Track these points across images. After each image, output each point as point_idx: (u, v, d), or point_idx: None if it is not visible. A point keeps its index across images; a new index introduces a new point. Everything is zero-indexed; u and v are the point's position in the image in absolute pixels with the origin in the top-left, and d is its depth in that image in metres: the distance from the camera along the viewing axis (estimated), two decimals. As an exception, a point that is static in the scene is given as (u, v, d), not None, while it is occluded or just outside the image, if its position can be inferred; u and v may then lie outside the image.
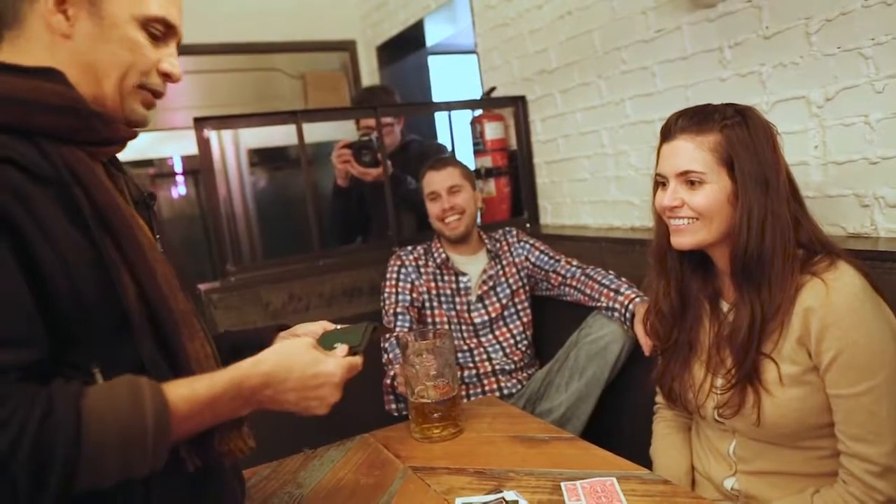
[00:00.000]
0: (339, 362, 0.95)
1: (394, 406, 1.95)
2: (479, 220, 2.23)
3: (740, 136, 1.14)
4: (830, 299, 1.07)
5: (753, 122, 1.16)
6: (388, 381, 1.90)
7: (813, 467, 1.15)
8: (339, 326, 1.15)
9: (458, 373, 2.00)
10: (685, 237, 1.20)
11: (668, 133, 1.21)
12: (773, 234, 1.11)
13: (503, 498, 1.12)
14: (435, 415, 1.39)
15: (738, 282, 1.17)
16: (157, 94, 0.95)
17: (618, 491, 1.09)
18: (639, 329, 1.64)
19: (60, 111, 0.82)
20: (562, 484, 1.14)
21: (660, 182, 1.23)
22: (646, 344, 1.58)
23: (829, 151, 1.52)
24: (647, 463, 1.40)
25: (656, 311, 1.32)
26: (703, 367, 1.25)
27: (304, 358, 0.91)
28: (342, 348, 1.00)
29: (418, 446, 1.37)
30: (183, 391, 0.80)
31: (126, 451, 0.73)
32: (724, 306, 1.24)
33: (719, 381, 1.21)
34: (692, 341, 1.28)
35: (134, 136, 0.95)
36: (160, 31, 0.92)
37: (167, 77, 0.94)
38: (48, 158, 0.79)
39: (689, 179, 1.17)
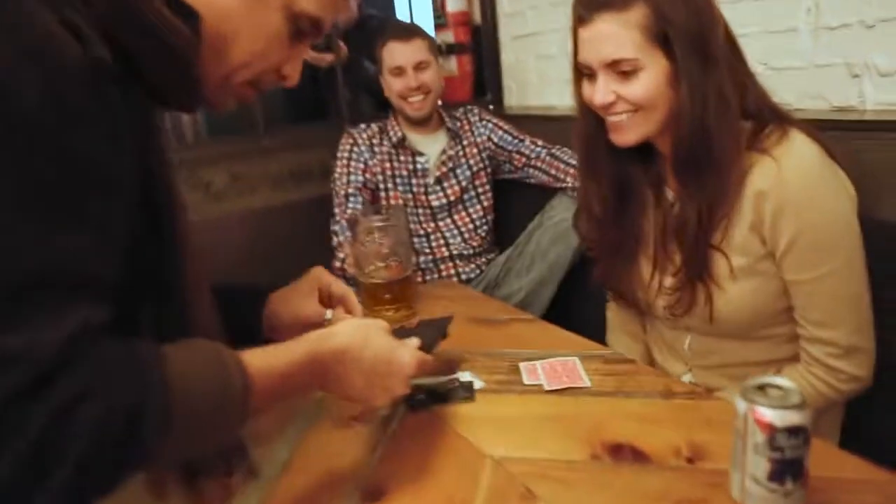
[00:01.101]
0: (414, 353, 0.83)
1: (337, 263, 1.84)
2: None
3: (670, 1, 0.96)
4: (783, 178, 0.96)
5: None
6: (339, 265, 1.79)
7: (771, 354, 1.09)
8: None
9: (414, 256, 1.90)
10: (627, 134, 1.05)
11: (583, 13, 1.02)
12: (717, 113, 0.97)
13: (457, 378, 1.04)
14: (387, 296, 1.29)
15: (681, 170, 1.04)
16: (260, 92, 0.78)
17: (579, 369, 1.02)
18: None
19: (174, 61, 0.64)
20: (520, 364, 1.06)
21: (584, 73, 1.07)
22: None
23: (823, 15, 1.39)
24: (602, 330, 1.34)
25: (588, 213, 1.19)
26: (649, 262, 1.15)
27: (379, 340, 0.81)
28: (414, 341, 0.88)
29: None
30: (259, 363, 0.68)
31: (213, 421, 0.63)
32: (670, 195, 1.11)
33: (668, 281, 1.11)
34: (637, 235, 1.16)
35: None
36: (307, 29, 0.74)
37: (282, 79, 0.78)
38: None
39: (621, 70, 1.00)
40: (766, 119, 1.01)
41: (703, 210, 1.01)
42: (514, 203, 2.03)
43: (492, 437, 0.88)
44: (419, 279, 1.91)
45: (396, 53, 1.85)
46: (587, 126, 1.11)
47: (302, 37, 0.75)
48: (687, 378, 1.17)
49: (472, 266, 1.93)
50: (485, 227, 1.98)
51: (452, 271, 1.91)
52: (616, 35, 0.98)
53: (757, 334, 1.08)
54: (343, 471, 0.84)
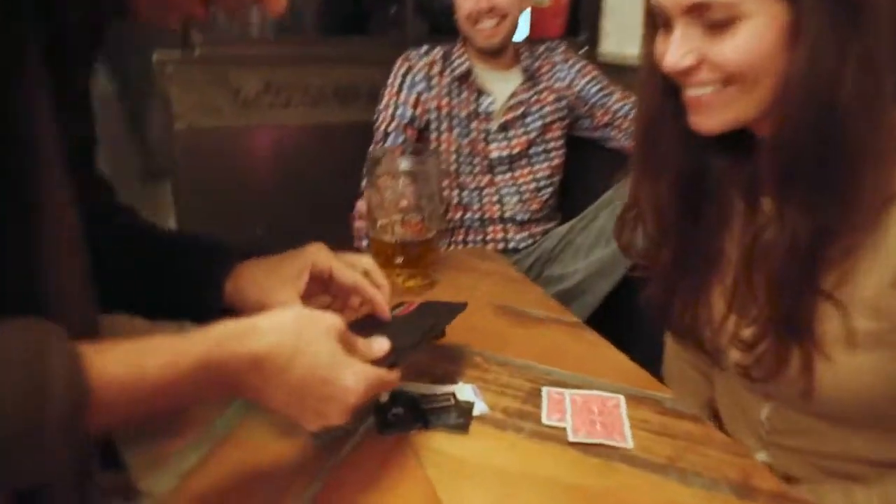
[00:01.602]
0: (364, 375, 0.57)
1: (364, 244, 1.57)
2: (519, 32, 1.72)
3: None
4: None
5: None
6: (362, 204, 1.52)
7: (881, 452, 0.75)
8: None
9: (447, 211, 1.61)
10: (712, 116, 0.70)
11: None
12: (858, 95, 0.63)
13: (453, 395, 0.76)
14: (398, 259, 1.02)
15: (787, 175, 0.69)
16: (230, 9, 0.61)
17: (622, 418, 0.73)
18: None
19: None
20: (544, 389, 0.78)
21: (657, 22, 0.72)
22: None
23: None
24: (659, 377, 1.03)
25: (641, 220, 0.84)
26: (725, 296, 0.80)
27: (318, 348, 0.56)
28: (377, 347, 0.62)
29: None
30: (116, 369, 0.46)
31: (16, 449, 0.42)
32: (768, 205, 0.74)
33: (747, 331, 0.76)
34: (711, 256, 0.81)
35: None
36: None
37: (262, 3, 0.58)
38: None
39: (710, 18, 0.65)
40: None
41: (815, 236, 0.67)
42: (588, 167, 1.71)
43: (475, 500, 0.61)
44: (460, 237, 1.63)
45: (471, -36, 1.52)
46: (654, 98, 0.77)
47: None
48: (761, 457, 0.83)
49: (525, 234, 1.63)
50: (548, 190, 1.66)
51: (500, 236, 1.62)
52: None
53: (873, 423, 0.74)
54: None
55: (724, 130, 0.72)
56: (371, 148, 1.59)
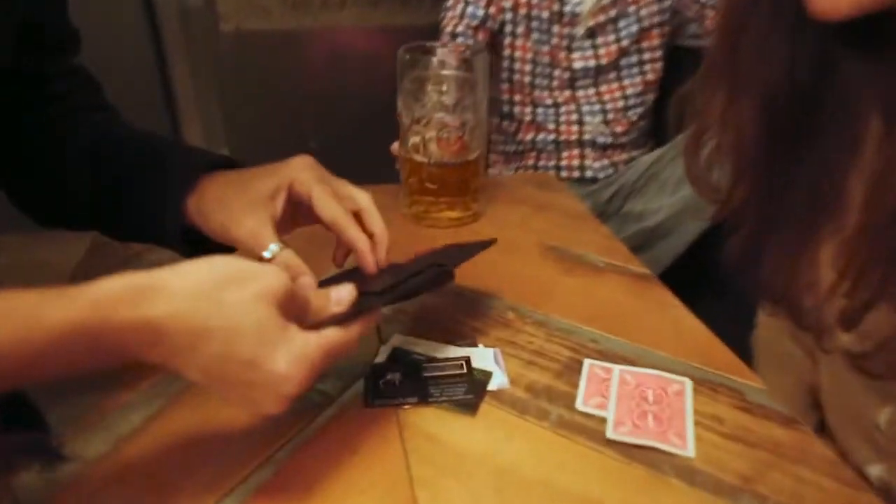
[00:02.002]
0: (304, 355, 0.42)
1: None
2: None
3: None
4: None
5: None
6: None
7: None
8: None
9: (518, 136, 1.40)
10: None
11: None
12: None
13: (467, 360, 0.60)
14: (431, 184, 0.85)
15: None
16: None
17: (686, 409, 0.55)
18: None
19: None
20: (586, 362, 0.60)
21: None
22: None
23: None
24: (747, 357, 0.81)
25: (728, 146, 0.62)
26: (843, 252, 0.56)
27: (241, 324, 0.40)
28: (340, 292, 0.47)
29: (403, 227, 0.86)
30: None
31: None
32: None
33: (861, 295, 0.53)
34: (823, 194, 0.58)
35: None
36: None
37: None
38: None
39: None
40: None
41: None
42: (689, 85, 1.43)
43: (458, 521, 0.45)
44: (531, 161, 1.43)
45: None
46: None
47: None
48: (875, 471, 0.62)
49: (606, 162, 1.40)
50: (639, 109, 1.41)
51: (576, 163, 1.40)
52: None
53: None
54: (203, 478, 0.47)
55: (857, 14, 0.48)
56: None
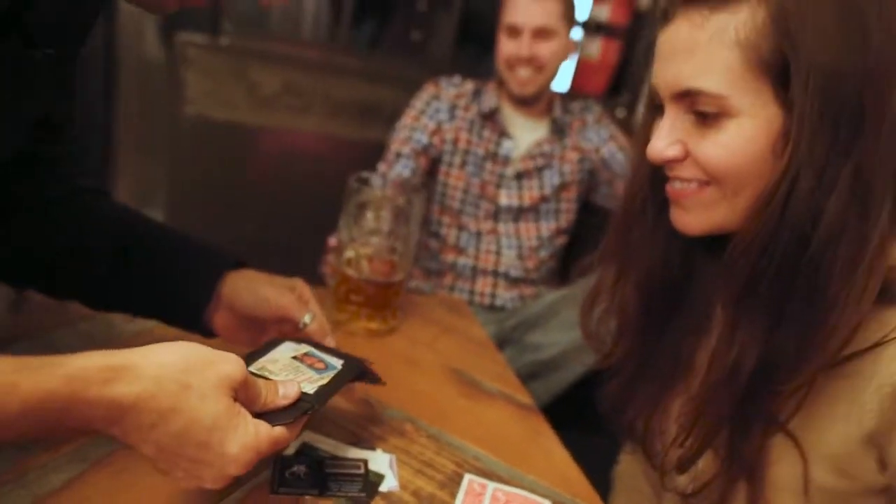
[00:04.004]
0: (253, 443, 0.50)
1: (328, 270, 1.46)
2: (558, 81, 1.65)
3: (812, 6, 0.54)
4: None
5: None
6: (334, 242, 1.43)
7: None
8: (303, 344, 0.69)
9: (412, 259, 1.54)
10: (692, 216, 0.64)
11: (666, 5, 0.61)
12: (841, 232, 0.56)
13: (365, 462, 0.69)
14: (355, 297, 0.96)
15: (745, 294, 0.61)
16: None
17: (540, 531, 0.65)
18: None
19: None
20: (466, 476, 0.70)
21: (656, 103, 0.66)
22: None
23: None
24: (607, 488, 0.94)
25: (612, 308, 0.77)
26: (684, 410, 0.71)
27: (201, 409, 0.48)
28: (287, 388, 0.56)
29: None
30: None
31: None
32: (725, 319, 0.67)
33: (688, 452, 0.68)
34: (680, 360, 0.73)
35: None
36: None
37: None
38: None
39: (699, 109, 0.59)
40: None
41: (761, 368, 0.60)
42: (595, 237, 1.62)
43: None
44: (448, 282, 1.56)
45: (518, 8, 1.46)
46: (641, 184, 0.70)
47: None
48: None
49: (516, 293, 1.55)
50: (550, 250, 1.59)
51: (488, 290, 1.54)
52: (701, 49, 0.58)
53: None
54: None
55: (706, 233, 0.65)
56: (378, 166, 1.54)
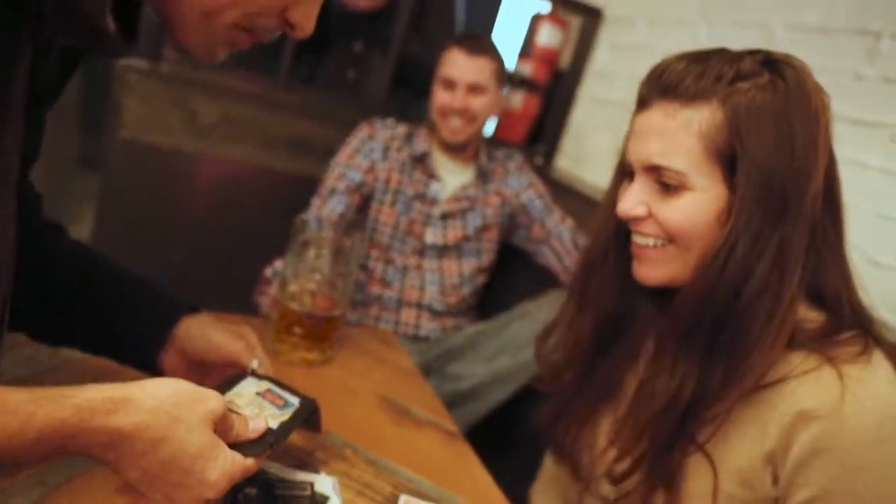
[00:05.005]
0: (229, 470, 0.58)
1: (263, 300, 1.52)
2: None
3: (760, 110, 0.70)
4: (844, 411, 0.67)
5: (790, 89, 0.70)
6: (270, 273, 1.50)
7: None
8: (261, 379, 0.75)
9: (367, 289, 1.63)
10: (654, 269, 0.78)
11: (645, 93, 0.77)
12: (763, 292, 0.70)
13: (311, 484, 0.76)
14: (299, 330, 1.02)
15: (687, 335, 0.75)
16: (260, 39, 0.62)
17: (467, 546, 0.74)
18: None
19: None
20: (402, 497, 0.78)
21: (625, 171, 0.81)
22: None
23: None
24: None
25: (562, 339, 0.91)
26: (614, 427, 0.85)
27: (188, 439, 0.55)
28: (256, 423, 0.64)
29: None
30: None
31: None
32: (669, 354, 0.81)
33: (622, 465, 0.81)
34: (612, 384, 0.88)
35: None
36: None
37: (289, 27, 0.60)
38: None
39: (663, 181, 0.74)
40: (846, 320, 0.73)
41: (697, 394, 0.73)
42: (515, 275, 1.76)
43: None
44: (374, 314, 1.64)
45: (455, 64, 1.59)
46: (605, 237, 0.84)
47: None
48: None
49: (437, 325, 1.65)
50: (470, 287, 1.70)
51: (412, 321, 1.63)
52: (670, 134, 0.73)
53: None
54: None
55: (662, 285, 0.79)
56: (313, 201, 1.60)
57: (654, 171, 0.75)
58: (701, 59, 0.73)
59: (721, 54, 0.74)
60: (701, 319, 0.73)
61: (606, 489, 0.84)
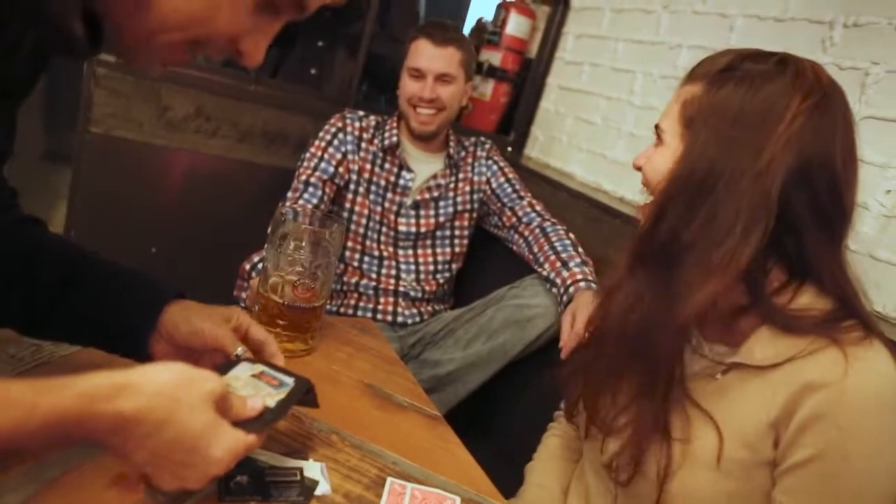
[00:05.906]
0: (233, 447, 0.60)
1: (244, 294, 1.54)
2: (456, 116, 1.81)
3: (721, 108, 0.80)
4: (848, 382, 0.73)
5: (827, 101, 0.78)
6: (249, 267, 1.51)
7: None
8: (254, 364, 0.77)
9: (344, 278, 1.65)
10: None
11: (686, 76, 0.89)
12: (698, 234, 0.78)
13: (301, 470, 0.79)
14: (281, 321, 1.04)
15: (636, 262, 0.86)
16: (209, 56, 0.63)
17: (453, 522, 0.78)
18: (566, 321, 1.31)
19: None
20: (389, 479, 0.81)
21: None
22: (566, 342, 1.26)
23: (901, 202, 1.16)
24: (519, 481, 1.09)
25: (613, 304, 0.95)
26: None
27: (191, 419, 0.57)
28: (254, 402, 0.66)
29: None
30: None
31: None
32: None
33: (622, 418, 0.87)
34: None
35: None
36: (282, 3, 0.59)
37: (238, 55, 0.61)
38: None
39: (659, 138, 0.89)
40: (850, 310, 0.79)
41: (657, 300, 0.82)
42: (489, 261, 1.79)
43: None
44: (352, 302, 1.66)
45: (422, 54, 1.61)
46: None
47: (275, 11, 0.58)
48: None
49: (415, 311, 1.68)
50: (445, 274, 1.73)
51: (390, 309, 1.66)
52: (671, 103, 0.86)
53: None
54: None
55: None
56: (288, 195, 1.61)
57: (658, 129, 0.87)
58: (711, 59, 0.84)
59: (739, 54, 0.83)
60: (647, 250, 0.83)
61: (614, 446, 0.89)
